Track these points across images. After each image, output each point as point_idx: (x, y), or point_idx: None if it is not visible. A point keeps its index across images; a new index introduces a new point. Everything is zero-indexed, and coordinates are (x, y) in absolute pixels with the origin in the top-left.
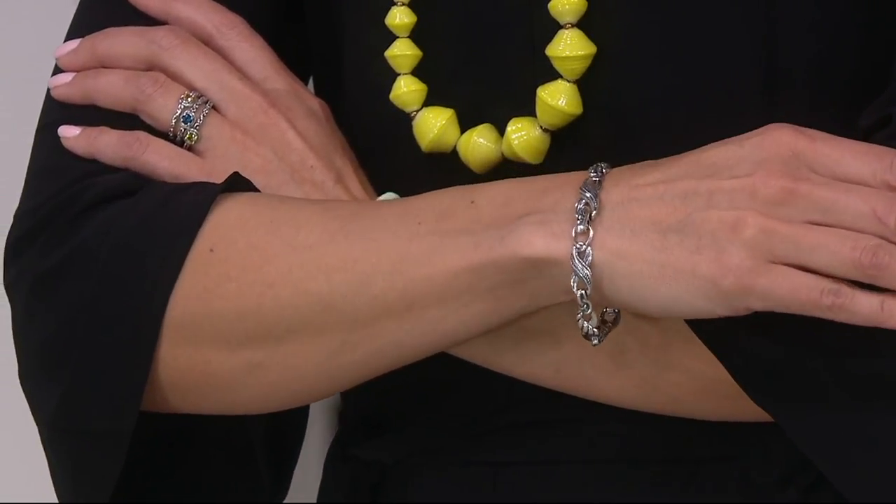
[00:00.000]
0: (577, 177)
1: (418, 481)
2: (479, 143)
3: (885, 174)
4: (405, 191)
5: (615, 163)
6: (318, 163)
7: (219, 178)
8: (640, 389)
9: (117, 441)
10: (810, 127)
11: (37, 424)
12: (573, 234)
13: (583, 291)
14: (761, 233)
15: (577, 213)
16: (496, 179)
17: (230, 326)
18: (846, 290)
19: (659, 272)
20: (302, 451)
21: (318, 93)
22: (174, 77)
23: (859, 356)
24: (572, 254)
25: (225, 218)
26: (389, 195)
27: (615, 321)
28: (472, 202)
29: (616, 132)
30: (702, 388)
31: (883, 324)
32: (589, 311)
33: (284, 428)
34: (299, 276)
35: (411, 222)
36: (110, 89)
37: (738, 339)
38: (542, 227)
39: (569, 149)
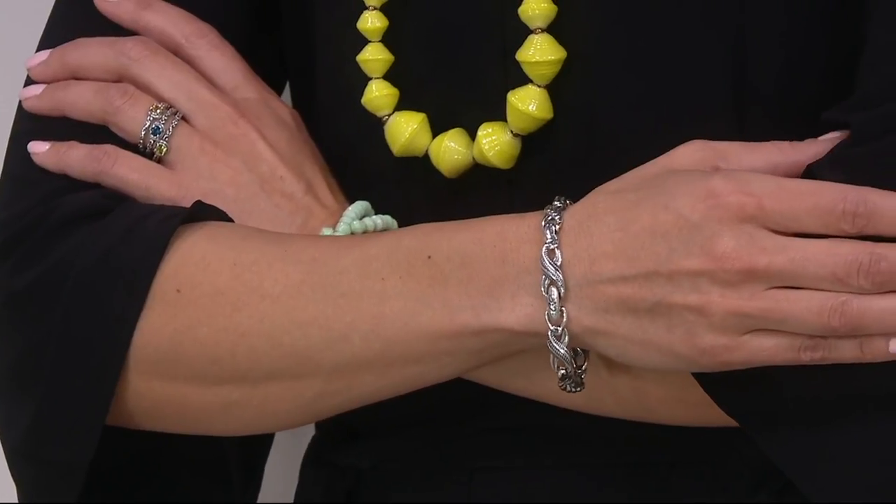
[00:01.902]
0: (529, 232)
1: (394, 486)
2: (450, 148)
3: (839, 224)
4: (378, 195)
5: (586, 169)
6: (287, 173)
7: (189, 189)
8: (611, 398)
9: (74, 472)
10: (781, 131)
11: (1, 441)
12: (546, 317)
13: (563, 370)
14: (728, 314)
15: (545, 294)
16: (468, 184)
17: (205, 368)
18: (823, 343)
19: (640, 347)
20: (279, 456)
21: (294, 101)
22: (143, 88)
23: (825, 366)
24: (549, 337)
25: (188, 257)
26: (360, 204)
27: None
28: (429, 257)
29: (586, 137)
30: (672, 397)
31: (868, 361)
32: (571, 382)
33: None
34: (272, 328)
35: (374, 277)
36: (80, 101)
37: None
38: (515, 307)
39: (539, 153)
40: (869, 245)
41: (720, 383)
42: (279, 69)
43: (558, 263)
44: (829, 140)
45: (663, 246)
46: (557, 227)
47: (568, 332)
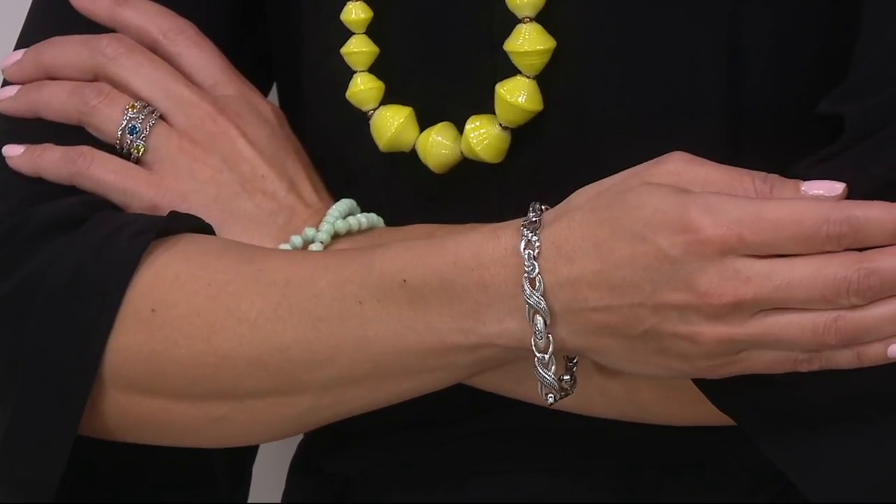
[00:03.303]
0: (505, 254)
1: (382, 493)
2: (437, 143)
3: (824, 246)
4: (364, 192)
5: (577, 162)
6: (269, 171)
7: (168, 190)
8: (602, 397)
9: (44, 489)
10: (773, 123)
11: None
12: (533, 345)
13: (552, 398)
14: (719, 343)
15: (530, 320)
16: (456, 179)
17: (186, 386)
18: (819, 355)
19: (633, 364)
20: (267, 459)
21: (281, 100)
22: (120, 87)
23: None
24: (536, 365)
25: (162, 276)
26: (345, 202)
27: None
28: (405, 281)
29: (577, 129)
30: (664, 394)
31: (866, 366)
32: (559, 399)
33: None
34: (252, 350)
35: (351, 302)
36: (54, 102)
37: None
38: (503, 332)
39: (529, 147)
40: (856, 259)
41: (716, 382)
42: (263, 67)
43: (540, 292)
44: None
45: (646, 280)
46: (535, 251)
47: (555, 359)
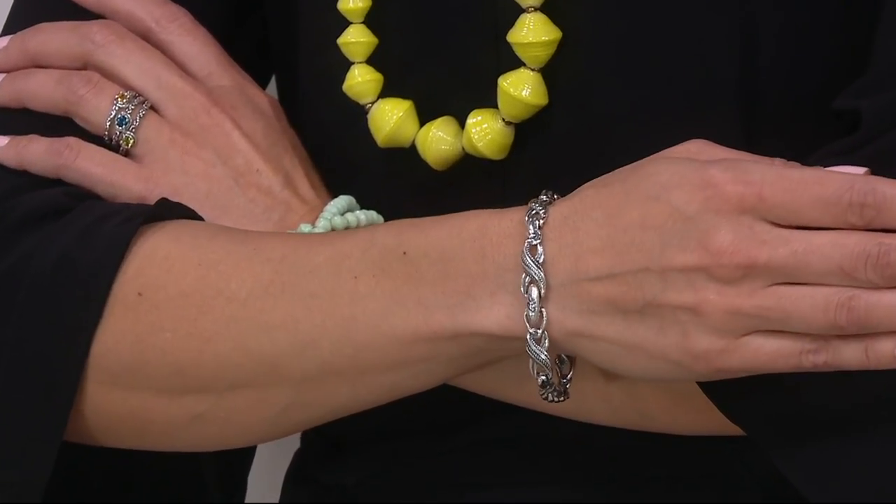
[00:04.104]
0: (511, 226)
1: None
2: (437, 138)
3: (846, 217)
4: (362, 189)
5: (583, 158)
6: (264, 166)
7: (157, 184)
8: (609, 404)
9: (30, 491)
10: (790, 112)
11: None
12: (525, 318)
13: (544, 377)
14: (725, 314)
15: (524, 292)
16: (458, 176)
17: (167, 378)
18: (826, 347)
19: (628, 352)
20: (262, 469)
21: (280, 93)
22: (109, 76)
23: (838, 371)
24: (528, 341)
25: (151, 258)
26: (343, 198)
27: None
28: (405, 253)
29: (584, 124)
30: (672, 402)
31: (873, 368)
32: (553, 388)
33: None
34: (238, 332)
35: (346, 276)
36: (41, 91)
37: None
38: (494, 306)
39: (533, 143)
40: (878, 236)
41: (724, 387)
42: (260, 57)
43: (540, 261)
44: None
45: (655, 240)
46: (541, 221)
47: (549, 336)
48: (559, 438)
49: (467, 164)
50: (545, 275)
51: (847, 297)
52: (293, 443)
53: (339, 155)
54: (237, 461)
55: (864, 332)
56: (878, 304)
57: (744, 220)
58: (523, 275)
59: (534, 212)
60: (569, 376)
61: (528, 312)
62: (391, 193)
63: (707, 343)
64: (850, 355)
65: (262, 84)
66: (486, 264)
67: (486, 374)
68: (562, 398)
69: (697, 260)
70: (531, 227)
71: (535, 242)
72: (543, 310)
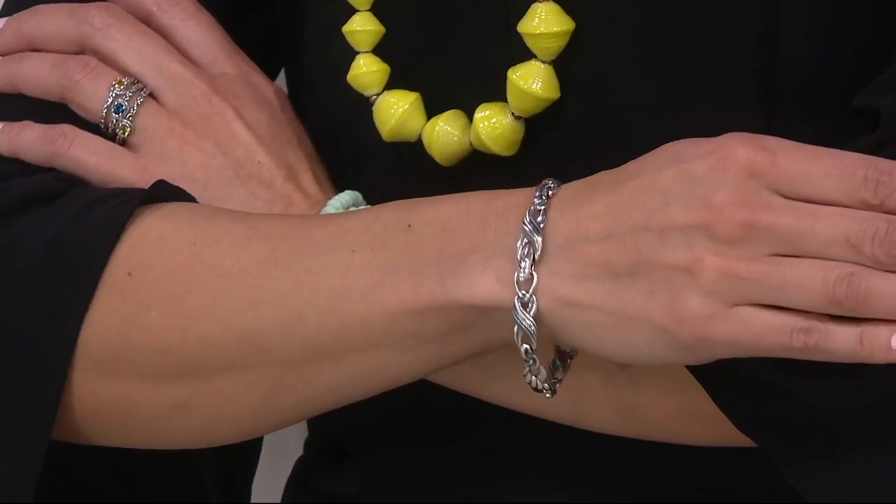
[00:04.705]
0: (520, 198)
1: None
2: (444, 132)
3: (859, 191)
4: (368, 184)
5: (596, 155)
6: (266, 158)
7: (153, 175)
8: (618, 413)
9: (22, 486)
10: (809, 108)
11: None
12: (515, 281)
13: (527, 346)
14: (720, 276)
15: (519, 255)
16: (466, 173)
17: (151, 361)
18: (819, 328)
19: (613, 321)
20: (262, 480)
21: (287, 80)
22: (107, 60)
23: (850, 379)
24: (514, 304)
25: (144, 237)
26: (348, 194)
27: (572, 353)
28: (409, 226)
29: (597, 118)
30: (683, 411)
31: (864, 360)
32: (536, 365)
33: (237, 450)
34: (225, 310)
35: (344, 250)
36: (35, 76)
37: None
38: (485, 272)
39: (544, 138)
40: (889, 216)
41: (733, 394)
42: (268, 45)
43: (541, 226)
44: None
45: (659, 200)
46: (551, 192)
47: (537, 303)
48: (565, 448)
49: (475, 159)
50: (543, 238)
51: (849, 272)
52: (294, 450)
53: (345, 148)
54: (238, 462)
55: (860, 315)
56: (880, 286)
57: (752, 183)
58: (521, 237)
59: (546, 186)
60: (560, 378)
61: (518, 275)
62: (397, 189)
63: (696, 305)
64: (843, 341)
65: (272, 76)
66: (487, 232)
67: (488, 378)
68: (547, 390)
69: (697, 217)
70: (539, 197)
71: (540, 208)
72: (535, 273)
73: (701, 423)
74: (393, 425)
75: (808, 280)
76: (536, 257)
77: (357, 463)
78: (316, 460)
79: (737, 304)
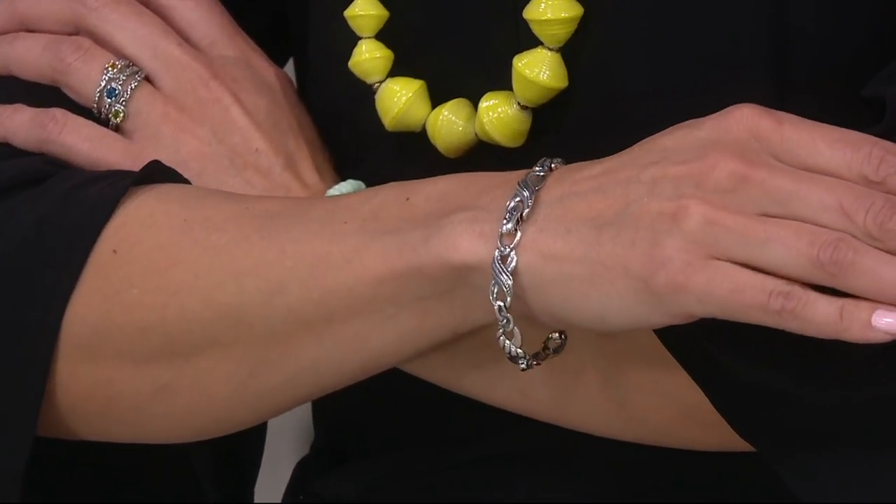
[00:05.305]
0: (524, 173)
1: None
2: (448, 121)
3: (861, 166)
4: (371, 174)
5: (606, 147)
6: (265, 145)
7: (145, 162)
8: (618, 416)
9: (9, 481)
10: (820, 97)
11: None
12: (498, 235)
13: (501, 303)
14: (705, 223)
15: (507, 211)
16: (471, 164)
17: (132, 341)
18: (799, 292)
19: (590, 272)
20: (261, 484)
21: (295, 68)
22: (102, 42)
23: (856, 382)
24: (494, 258)
25: (133, 216)
26: (350, 183)
27: (558, 349)
28: (408, 199)
29: (606, 108)
30: (684, 415)
31: (841, 335)
32: (510, 326)
33: (237, 451)
34: (207, 283)
35: (337, 221)
36: (27, 57)
37: (717, 359)
38: (470, 228)
39: (552, 129)
40: (887, 194)
41: (733, 398)
42: (275, 34)
43: (536, 188)
44: None
45: (656, 156)
46: (554, 165)
47: (517, 258)
48: (565, 453)
49: (481, 151)
50: (536, 198)
51: (837, 238)
52: (296, 453)
53: (347, 137)
54: (239, 464)
55: (840, 285)
56: (866, 259)
57: (753, 144)
58: (514, 196)
59: (551, 160)
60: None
61: (503, 227)
62: (401, 180)
63: (676, 251)
64: (822, 311)
65: (280, 63)
66: (481, 197)
67: (494, 383)
68: (521, 358)
69: (690, 169)
70: (541, 166)
71: (539, 174)
72: (520, 230)
73: (699, 427)
74: (394, 429)
75: (794, 238)
76: (524, 215)
77: (356, 466)
78: (316, 463)
79: (717, 259)
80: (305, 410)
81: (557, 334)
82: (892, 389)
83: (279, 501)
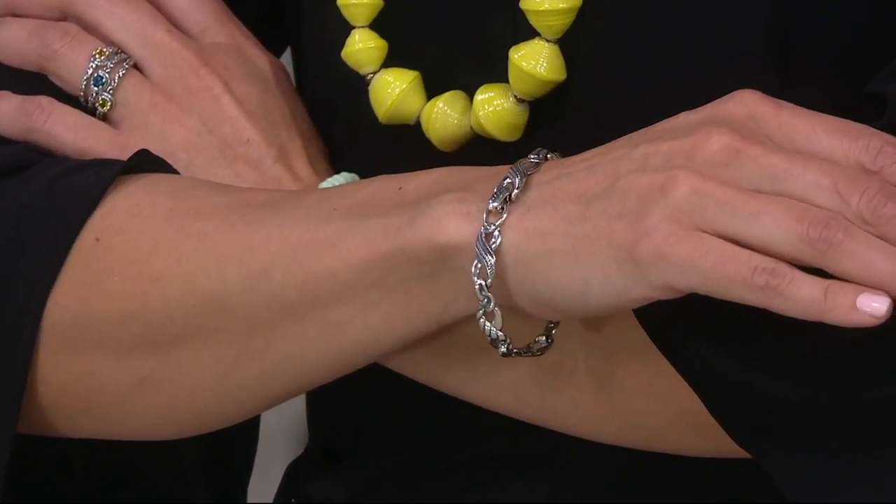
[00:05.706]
0: (522, 161)
1: None
2: (443, 114)
3: (859, 155)
4: (365, 167)
5: (603, 141)
6: (256, 136)
7: (132, 153)
8: (612, 420)
9: None
10: (822, 92)
11: None
12: (484, 213)
13: (482, 282)
14: (693, 193)
15: (496, 191)
16: (466, 158)
17: (113, 331)
18: (784, 269)
19: (572, 245)
20: (252, 487)
21: (293, 57)
22: (90, 28)
23: (850, 385)
24: (478, 236)
25: (120, 206)
26: (344, 176)
27: (542, 350)
28: (401, 188)
29: (605, 102)
30: (679, 419)
31: (824, 316)
32: (491, 306)
33: (229, 450)
34: (189, 269)
35: (324, 209)
36: (13, 44)
37: (709, 359)
38: (457, 208)
39: (550, 123)
40: (882, 180)
41: (727, 401)
42: (271, 21)
43: (528, 172)
44: None
45: (651, 135)
46: (550, 156)
47: (501, 235)
48: (560, 457)
49: (476, 144)
50: (527, 180)
51: (828, 216)
52: (289, 454)
53: (340, 129)
54: (231, 464)
55: (826, 265)
56: (855, 242)
57: (751, 123)
58: (504, 178)
59: (548, 150)
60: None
61: (490, 205)
62: (395, 173)
63: (661, 220)
64: (806, 290)
65: (275, 52)
66: (475, 182)
67: (488, 386)
68: (502, 343)
69: (683, 143)
70: (537, 155)
71: (534, 161)
72: (507, 209)
73: (697, 434)
74: (387, 431)
75: (783, 214)
76: (513, 195)
77: (348, 468)
78: (307, 465)
79: (704, 231)
80: (300, 411)
81: (543, 338)
82: (884, 391)
83: (271, 502)
